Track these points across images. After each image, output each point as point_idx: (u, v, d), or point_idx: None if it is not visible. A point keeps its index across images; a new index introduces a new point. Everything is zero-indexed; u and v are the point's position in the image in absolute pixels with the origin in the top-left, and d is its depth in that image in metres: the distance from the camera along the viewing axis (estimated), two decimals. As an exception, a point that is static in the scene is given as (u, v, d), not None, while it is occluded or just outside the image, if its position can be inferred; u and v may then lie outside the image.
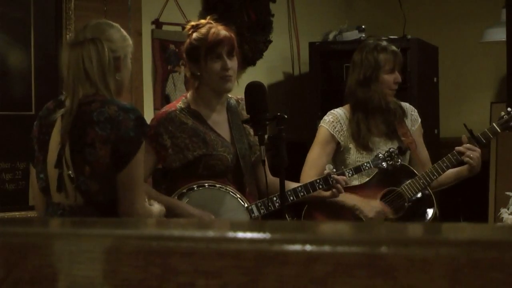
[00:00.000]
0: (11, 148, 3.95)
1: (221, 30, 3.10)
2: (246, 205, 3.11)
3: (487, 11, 5.73)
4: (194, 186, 3.08)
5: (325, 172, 3.29)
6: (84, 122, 2.56)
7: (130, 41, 2.73)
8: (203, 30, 3.11)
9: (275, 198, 3.12)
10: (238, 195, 3.10)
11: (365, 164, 3.38)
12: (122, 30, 2.72)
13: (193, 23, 3.18)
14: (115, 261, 0.90)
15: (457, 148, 3.50)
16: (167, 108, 3.21)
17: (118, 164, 2.54)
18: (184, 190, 3.07)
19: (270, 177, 3.05)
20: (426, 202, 3.58)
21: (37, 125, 2.71)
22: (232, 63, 3.09)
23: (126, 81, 2.73)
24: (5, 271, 0.96)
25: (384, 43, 3.65)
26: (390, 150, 3.42)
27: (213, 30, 3.10)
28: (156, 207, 2.79)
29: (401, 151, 3.45)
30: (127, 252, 0.90)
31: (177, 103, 3.18)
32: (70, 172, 2.56)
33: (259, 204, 3.13)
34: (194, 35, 3.11)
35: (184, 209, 3.03)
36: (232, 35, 3.12)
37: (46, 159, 2.64)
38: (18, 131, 3.92)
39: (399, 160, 3.42)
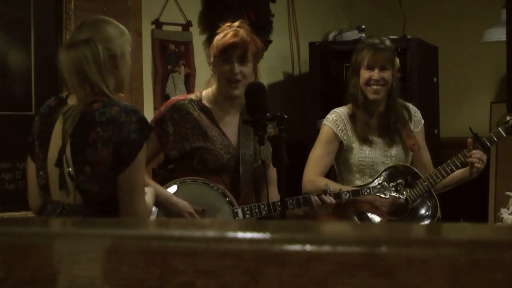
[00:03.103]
0: (11, 148, 3.95)
1: (238, 34, 3.11)
2: (232, 207, 3.10)
3: (487, 11, 5.73)
4: (188, 179, 3.09)
5: (322, 188, 3.25)
6: (86, 122, 2.56)
7: (128, 36, 2.73)
8: (225, 31, 3.15)
9: (262, 206, 3.11)
10: (228, 197, 3.10)
11: (365, 189, 3.34)
12: (119, 25, 2.72)
13: (228, 24, 3.20)
14: (115, 261, 0.90)
15: (468, 160, 3.46)
16: (177, 97, 3.26)
17: (119, 166, 2.54)
18: (178, 183, 3.09)
19: (275, 193, 3.05)
20: (429, 205, 3.57)
21: (38, 121, 2.71)
22: (243, 69, 3.10)
23: (126, 76, 2.72)
24: (5, 271, 0.96)
25: (376, 41, 3.65)
26: (397, 182, 3.36)
27: (231, 33, 3.12)
28: (148, 196, 2.79)
29: (407, 184, 3.40)
30: (127, 252, 0.90)
31: (189, 95, 3.23)
32: (70, 169, 2.56)
33: (246, 209, 3.12)
34: (219, 35, 3.15)
35: (167, 198, 3.04)
36: (251, 40, 3.12)
37: (46, 157, 2.64)
38: (18, 131, 3.92)
39: (404, 193, 3.38)
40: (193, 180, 3.10)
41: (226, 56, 3.10)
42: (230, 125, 3.19)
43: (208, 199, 3.09)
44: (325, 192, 3.19)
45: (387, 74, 3.58)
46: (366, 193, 3.33)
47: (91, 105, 2.57)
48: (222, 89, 3.14)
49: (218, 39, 3.15)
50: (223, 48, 3.11)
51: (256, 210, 3.10)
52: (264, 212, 3.10)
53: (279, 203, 3.03)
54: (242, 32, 3.13)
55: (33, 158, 2.71)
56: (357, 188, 3.36)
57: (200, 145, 3.11)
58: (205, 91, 3.23)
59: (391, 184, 3.35)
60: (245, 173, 3.16)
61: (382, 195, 3.34)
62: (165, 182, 3.13)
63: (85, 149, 2.54)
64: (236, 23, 3.18)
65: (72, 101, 2.64)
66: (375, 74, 3.56)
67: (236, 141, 3.18)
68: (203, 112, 3.16)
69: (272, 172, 3.12)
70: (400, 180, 3.36)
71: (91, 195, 2.56)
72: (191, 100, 3.17)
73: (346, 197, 3.27)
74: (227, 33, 3.14)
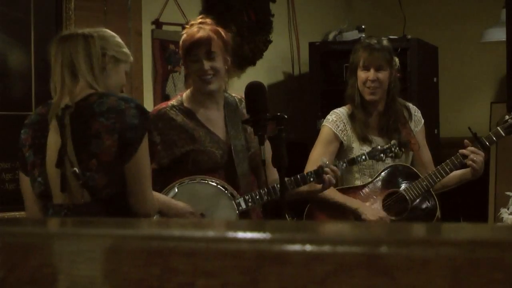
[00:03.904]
0: (11, 148, 3.94)
1: (200, 31, 3.11)
2: (234, 199, 3.10)
3: (487, 11, 5.73)
4: (186, 179, 3.09)
5: (318, 164, 3.27)
6: (85, 115, 2.54)
7: (127, 51, 2.72)
8: (187, 30, 3.15)
9: (263, 192, 3.11)
10: (228, 190, 3.10)
11: (361, 155, 3.38)
12: (120, 40, 2.72)
13: (192, 22, 3.20)
14: (115, 261, 0.90)
15: (461, 151, 3.48)
16: (159, 106, 3.27)
17: (126, 154, 2.53)
18: (177, 185, 3.09)
19: (275, 176, 2.96)
20: (428, 204, 3.57)
21: (27, 132, 2.67)
22: (213, 64, 3.09)
23: (114, 88, 2.70)
24: (5, 271, 0.96)
25: (373, 41, 3.64)
26: (391, 143, 3.41)
27: (192, 30, 3.12)
28: None
29: (401, 144, 3.44)
30: (127, 252, 0.90)
31: (170, 101, 3.24)
32: (75, 168, 2.54)
33: (247, 198, 3.12)
34: (183, 35, 3.16)
35: (165, 203, 3.03)
36: (214, 35, 3.11)
37: (44, 162, 2.61)
38: (18, 131, 3.91)
39: (401, 152, 3.41)
40: (192, 179, 3.10)
41: (193, 55, 3.11)
42: (216, 120, 3.19)
43: (209, 195, 3.09)
44: (321, 166, 3.21)
45: (382, 75, 3.57)
46: (362, 160, 3.37)
47: (86, 99, 2.56)
48: (198, 87, 3.16)
49: (182, 39, 3.15)
50: (188, 47, 3.11)
51: (257, 197, 3.11)
52: (265, 197, 3.11)
53: (278, 186, 2.98)
54: (204, 28, 3.12)
55: (25, 171, 2.68)
56: (352, 157, 3.39)
57: (190, 148, 3.11)
58: (185, 93, 3.24)
59: (386, 147, 3.38)
60: (241, 164, 3.15)
61: (378, 157, 3.37)
62: (165, 184, 3.12)
63: (89, 142, 2.52)
64: (198, 20, 3.17)
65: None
66: (371, 74, 3.56)
67: (225, 135, 3.18)
68: (186, 115, 3.16)
69: (269, 155, 3.09)
70: (393, 142, 3.40)
71: (98, 191, 2.54)
72: (172, 106, 3.17)
73: (343, 167, 3.29)
74: (189, 32, 3.14)
